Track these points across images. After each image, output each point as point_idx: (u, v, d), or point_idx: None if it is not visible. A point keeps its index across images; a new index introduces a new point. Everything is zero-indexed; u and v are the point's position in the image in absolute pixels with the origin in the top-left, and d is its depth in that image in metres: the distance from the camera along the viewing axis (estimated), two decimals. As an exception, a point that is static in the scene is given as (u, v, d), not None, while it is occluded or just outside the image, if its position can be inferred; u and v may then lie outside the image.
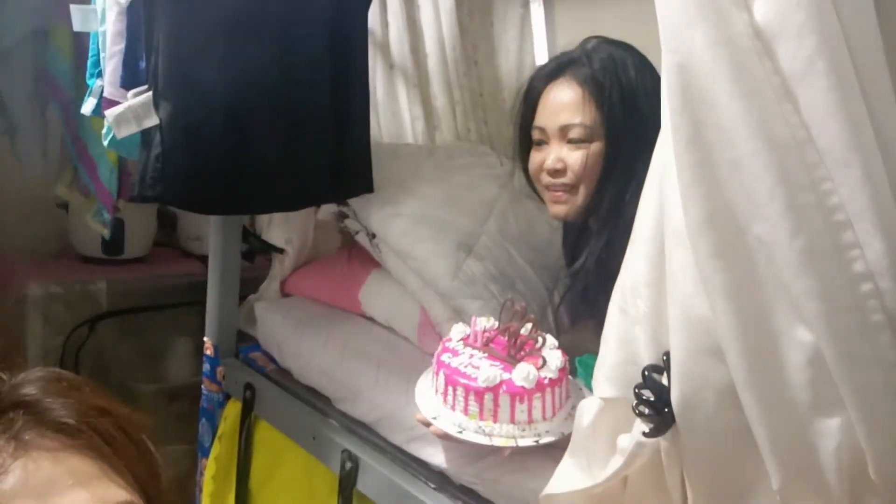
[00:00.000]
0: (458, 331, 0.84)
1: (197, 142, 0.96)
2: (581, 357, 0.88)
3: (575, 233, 1.03)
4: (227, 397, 1.18)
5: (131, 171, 1.30)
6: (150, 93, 0.96)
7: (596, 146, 0.92)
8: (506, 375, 0.74)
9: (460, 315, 1.00)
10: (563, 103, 0.94)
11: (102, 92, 1.03)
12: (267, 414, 1.11)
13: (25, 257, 1.53)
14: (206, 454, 1.20)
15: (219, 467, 1.16)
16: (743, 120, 0.50)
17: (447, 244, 1.08)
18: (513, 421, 0.72)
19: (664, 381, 0.58)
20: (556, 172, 0.94)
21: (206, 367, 1.21)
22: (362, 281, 1.19)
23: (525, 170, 1.02)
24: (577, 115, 0.92)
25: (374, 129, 1.37)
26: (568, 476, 0.66)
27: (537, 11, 1.50)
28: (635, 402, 0.59)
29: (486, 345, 0.81)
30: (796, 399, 0.52)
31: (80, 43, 1.23)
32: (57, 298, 1.45)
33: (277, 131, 1.01)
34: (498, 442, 0.72)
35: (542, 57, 1.48)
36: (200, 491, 1.19)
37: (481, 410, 0.73)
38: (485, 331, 0.82)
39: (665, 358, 0.58)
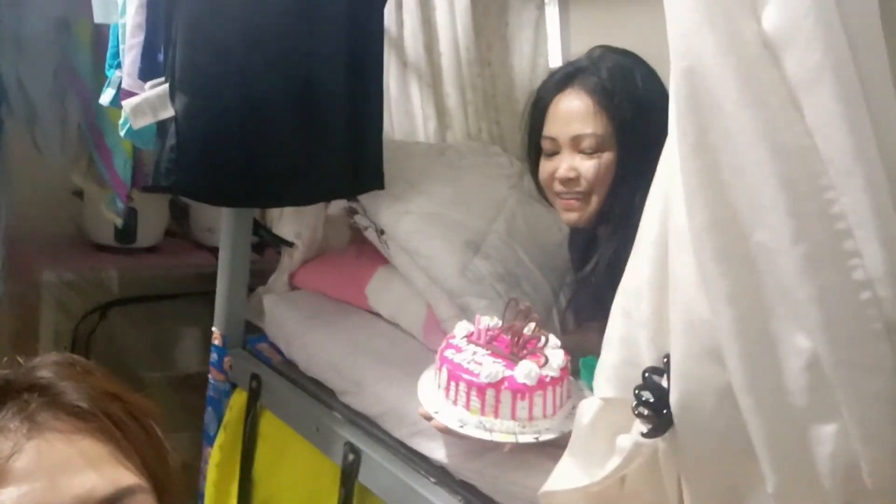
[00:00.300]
0: (462, 328, 0.85)
1: (212, 134, 0.98)
2: (585, 358, 0.89)
3: (584, 237, 1.04)
4: (234, 387, 1.20)
5: (146, 161, 1.32)
6: (167, 85, 0.98)
7: (607, 155, 0.93)
8: (508, 372, 0.74)
9: (466, 313, 1.01)
10: (574, 113, 0.95)
11: (121, 83, 1.05)
12: (272, 405, 1.12)
13: (40, 244, 1.56)
14: (210, 443, 1.21)
15: (223, 456, 1.18)
16: (749, 126, 0.50)
17: (455, 242, 1.09)
18: (514, 417, 0.73)
19: (664, 382, 0.59)
20: (568, 181, 0.95)
21: (214, 356, 1.23)
22: (369, 277, 1.20)
23: (535, 177, 1.04)
24: (588, 125, 0.93)
25: (387, 126, 1.38)
26: (567, 474, 0.66)
27: (552, 13, 1.51)
28: (635, 402, 0.60)
29: (490, 342, 0.81)
30: (793, 404, 0.52)
31: (101, 35, 1.25)
32: (70, 285, 1.48)
33: (292, 126, 1.03)
34: (498, 437, 0.73)
35: (555, 59, 1.49)
36: (204, 478, 1.21)
37: (483, 406, 0.74)
38: (488, 329, 0.83)
39: (665, 360, 0.59)
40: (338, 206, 1.28)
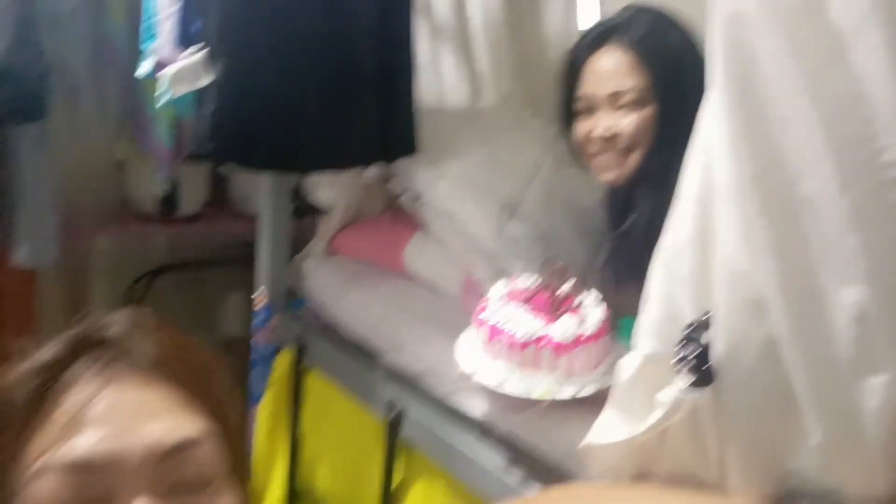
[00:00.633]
0: (499, 288, 0.86)
1: (248, 100, 0.99)
2: (623, 318, 0.90)
3: (620, 197, 1.03)
4: (278, 349, 1.24)
5: (186, 130, 1.35)
6: (204, 52, 0.99)
7: (647, 110, 0.92)
8: (547, 329, 0.75)
9: (503, 275, 1.01)
10: (610, 70, 0.94)
11: (157, 54, 1.07)
12: (316, 364, 1.16)
13: (87, 213, 1.61)
14: (257, 402, 1.26)
15: (270, 414, 1.23)
16: (794, 75, 0.49)
17: (490, 206, 1.09)
18: (553, 374, 0.74)
19: (706, 338, 0.59)
20: (606, 140, 0.94)
21: (259, 320, 1.27)
22: (406, 241, 1.22)
23: (569, 139, 1.03)
24: (626, 80, 0.92)
25: (419, 92, 1.38)
26: (608, 428, 0.68)
27: (584, -28, 1.46)
28: (676, 358, 0.60)
29: (528, 301, 0.82)
30: (840, 356, 0.52)
31: (134, 8, 1.27)
32: (118, 253, 1.53)
33: (325, 93, 1.03)
34: (537, 394, 0.75)
35: (588, 20, 1.45)
36: (253, 437, 1.26)
37: (521, 363, 0.75)
38: (526, 288, 0.84)
39: (707, 315, 0.59)
40: (373, 172, 1.29)
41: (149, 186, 1.56)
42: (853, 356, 0.52)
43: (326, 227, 1.32)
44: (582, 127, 0.98)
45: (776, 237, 0.52)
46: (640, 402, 0.65)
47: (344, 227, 1.33)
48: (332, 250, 1.33)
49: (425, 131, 1.15)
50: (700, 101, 0.59)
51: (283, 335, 1.23)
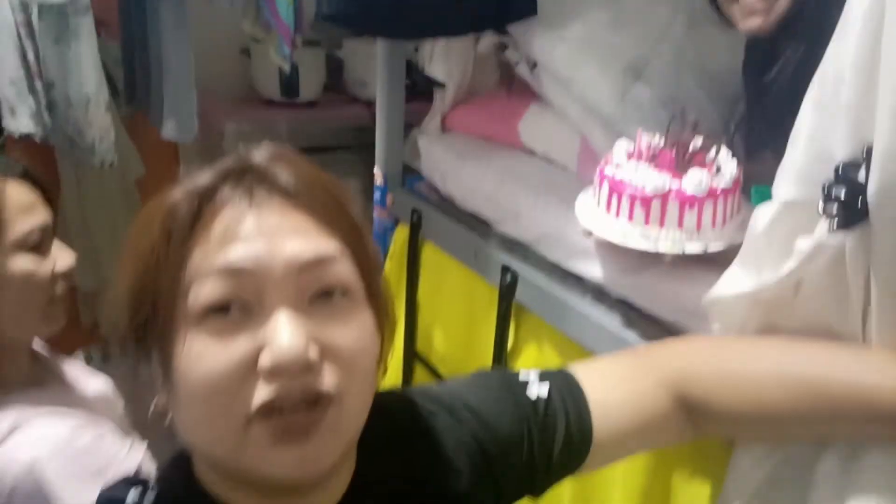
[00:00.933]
0: (621, 146, 0.83)
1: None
2: (757, 186, 0.84)
3: (762, 52, 0.93)
4: (396, 222, 1.29)
5: (305, 9, 1.37)
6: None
7: None
8: (675, 183, 0.72)
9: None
10: None
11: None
12: (432, 236, 1.20)
13: (217, 99, 1.71)
14: (377, 274, 1.33)
15: (389, 285, 1.29)
16: None
17: (614, 68, 1.03)
18: (681, 228, 0.71)
19: (860, 176, 0.54)
20: None
21: (377, 195, 1.31)
22: (521, 113, 1.19)
23: None
24: None
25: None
26: (736, 280, 0.65)
27: None
28: (823, 199, 0.56)
29: (652, 159, 0.79)
30: None
31: None
32: (247, 136, 1.62)
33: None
34: (663, 247, 0.72)
35: None
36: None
37: (647, 217, 0.73)
38: (650, 146, 0.80)
39: (866, 151, 0.54)
40: (487, 43, 1.25)
41: (272, 71, 1.62)
42: None
43: (440, 104, 1.32)
44: None
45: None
46: (775, 252, 0.62)
47: (457, 105, 1.32)
48: (446, 127, 1.33)
49: (544, -9, 1.09)
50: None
51: (399, 210, 1.27)
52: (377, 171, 1.31)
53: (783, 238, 0.61)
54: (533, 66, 1.12)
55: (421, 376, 1.26)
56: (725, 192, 0.71)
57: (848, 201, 0.54)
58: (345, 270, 0.46)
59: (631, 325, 0.83)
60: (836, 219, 0.55)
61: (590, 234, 0.80)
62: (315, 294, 0.45)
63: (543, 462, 0.59)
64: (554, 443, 0.58)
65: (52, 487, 0.64)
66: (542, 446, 0.58)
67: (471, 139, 1.26)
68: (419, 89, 1.38)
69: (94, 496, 0.55)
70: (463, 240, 1.11)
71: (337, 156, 1.76)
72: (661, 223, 0.72)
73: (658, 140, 0.81)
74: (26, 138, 1.25)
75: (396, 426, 0.56)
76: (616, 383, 0.62)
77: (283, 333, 0.42)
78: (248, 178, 0.46)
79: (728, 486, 0.66)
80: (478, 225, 1.12)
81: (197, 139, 1.37)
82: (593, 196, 0.82)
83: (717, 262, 0.70)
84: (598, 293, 0.89)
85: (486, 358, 1.05)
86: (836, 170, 0.56)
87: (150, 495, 0.49)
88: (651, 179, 0.72)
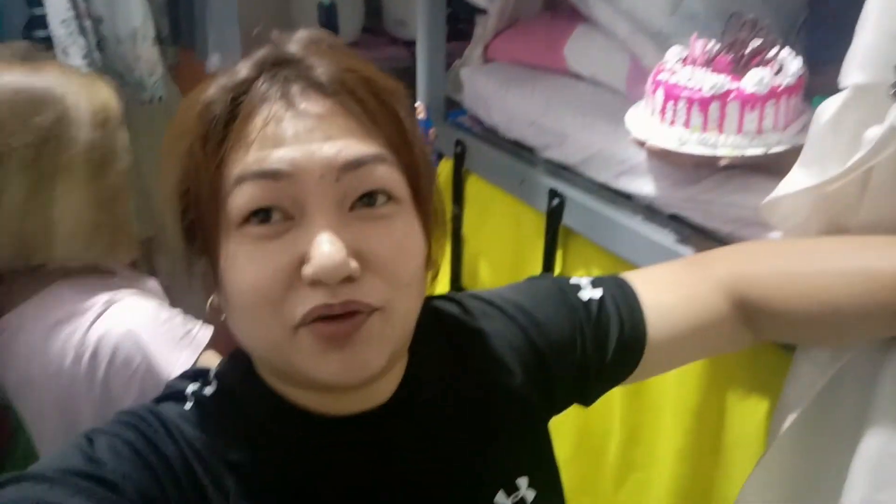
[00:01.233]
0: (674, 52, 0.79)
1: None
2: (818, 97, 0.79)
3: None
4: (440, 156, 1.27)
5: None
6: None
7: None
8: (734, 84, 0.68)
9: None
10: None
11: None
12: (476, 167, 1.18)
13: (258, 35, 1.71)
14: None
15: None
16: None
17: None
18: (740, 131, 0.68)
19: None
20: None
21: (420, 129, 1.30)
22: (567, 37, 1.14)
23: None
24: None
25: None
26: (799, 179, 0.62)
27: None
28: (895, 82, 0.52)
29: (708, 63, 0.75)
30: None
31: None
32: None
33: None
34: (723, 152, 0.69)
35: None
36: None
37: (705, 121, 0.69)
38: (705, 50, 0.76)
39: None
40: (530, -34, 1.20)
41: (311, 12, 1.60)
42: None
43: (482, 32, 1.28)
44: None
45: None
46: (842, 145, 0.58)
47: (499, 32, 1.28)
48: (488, 57, 1.29)
49: None
50: None
51: (443, 144, 1.26)
52: (419, 104, 1.29)
53: (851, 129, 0.58)
54: (579, -16, 1.07)
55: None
56: (789, 89, 0.67)
57: (926, 81, 0.50)
58: (388, 173, 0.44)
59: (685, 240, 0.81)
60: (913, 101, 0.51)
61: (642, 144, 0.77)
62: (357, 198, 0.43)
63: (596, 364, 0.58)
64: (607, 344, 0.58)
65: (150, 349, 0.75)
66: (595, 348, 0.58)
67: (514, 67, 1.23)
68: (460, 23, 1.34)
69: (179, 356, 0.75)
70: (508, 168, 1.10)
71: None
72: (720, 128, 0.68)
73: (714, 45, 0.77)
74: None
75: (449, 327, 0.56)
76: (670, 287, 0.61)
77: (323, 247, 0.41)
78: (283, 71, 0.44)
79: (786, 395, 0.65)
80: (522, 152, 1.10)
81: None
82: (647, 105, 0.79)
83: (774, 171, 0.66)
84: (649, 211, 0.87)
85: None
86: (914, 48, 0.52)
87: (210, 388, 0.50)
88: (709, 80, 0.69)
